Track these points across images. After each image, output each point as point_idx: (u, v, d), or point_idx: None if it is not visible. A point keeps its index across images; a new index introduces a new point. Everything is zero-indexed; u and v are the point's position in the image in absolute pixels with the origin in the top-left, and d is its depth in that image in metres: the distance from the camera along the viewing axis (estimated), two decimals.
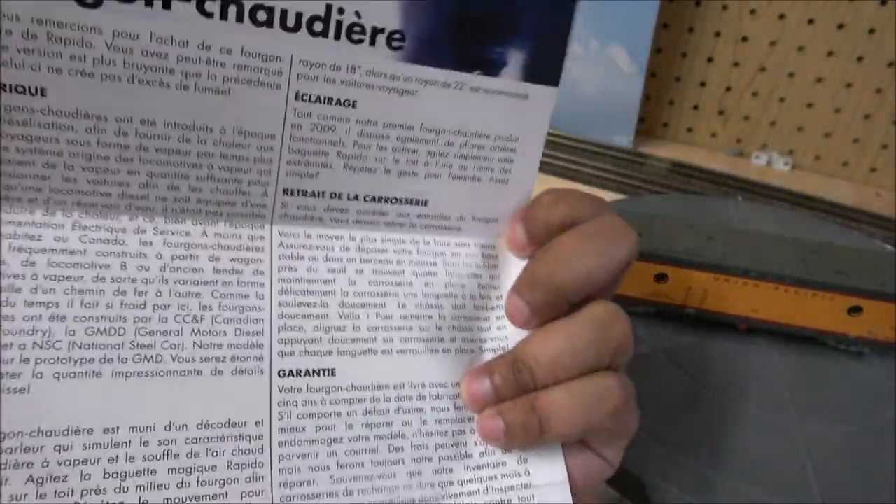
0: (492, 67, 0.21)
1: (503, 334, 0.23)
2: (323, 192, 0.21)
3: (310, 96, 0.20)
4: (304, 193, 0.21)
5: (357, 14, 0.19)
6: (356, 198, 0.22)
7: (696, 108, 0.69)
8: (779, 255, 0.37)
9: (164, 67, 0.18)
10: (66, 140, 0.19)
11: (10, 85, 0.18)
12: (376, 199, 0.22)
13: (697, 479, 0.30)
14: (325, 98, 0.20)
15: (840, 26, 0.60)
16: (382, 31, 0.20)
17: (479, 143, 0.22)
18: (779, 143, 0.68)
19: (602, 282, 0.21)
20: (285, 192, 0.21)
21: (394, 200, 0.22)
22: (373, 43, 0.20)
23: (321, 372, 0.21)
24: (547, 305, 0.21)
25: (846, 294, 0.35)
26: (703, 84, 0.67)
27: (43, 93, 0.18)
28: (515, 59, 0.22)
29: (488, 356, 0.22)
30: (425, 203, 0.23)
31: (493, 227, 0.23)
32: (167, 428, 0.19)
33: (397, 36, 0.20)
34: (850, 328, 0.36)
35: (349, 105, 0.20)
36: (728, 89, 0.67)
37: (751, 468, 0.31)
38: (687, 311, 0.38)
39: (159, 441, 0.19)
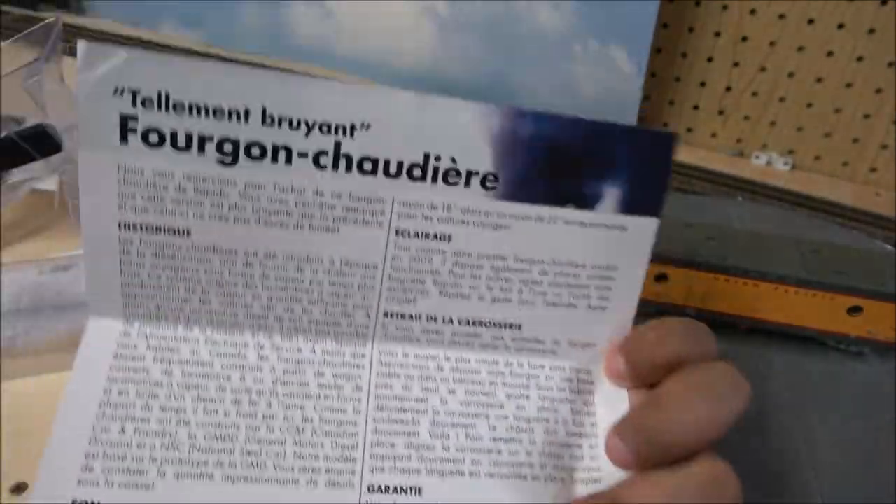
0: (585, 202, 0.22)
1: (596, 465, 0.22)
2: (420, 316, 0.23)
3: (409, 232, 0.22)
4: (403, 317, 0.23)
5: (452, 160, 0.21)
6: (451, 321, 0.23)
7: (696, 108, 0.69)
8: (779, 255, 0.37)
9: (285, 210, 0.21)
10: (204, 270, 0.22)
11: (164, 227, 0.21)
12: (471, 322, 0.23)
13: None
14: (422, 234, 0.22)
15: (840, 26, 0.60)
16: (476, 173, 0.22)
17: (575, 272, 0.23)
18: (779, 143, 0.68)
19: (712, 437, 0.20)
20: (385, 314, 0.23)
21: (488, 324, 0.23)
22: (468, 184, 0.22)
23: (409, 490, 0.22)
24: (650, 454, 0.20)
25: (846, 294, 0.35)
26: (703, 84, 0.67)
27: (188, 233, 0.21)
28: (611, 193, 0.22)
29: (579, 487, 0.22)
30: (519, 328, 0.24)
31: (589, 351, 0.24)
32: None
33: (491, 177, 0.22)
34: (851, 328, 0.36)
35: (445, 239, 0.22)
36: (728, 89, 0.67)
37: (751, 468, 0.31)
38: (687, 312, 0.38)
39: None
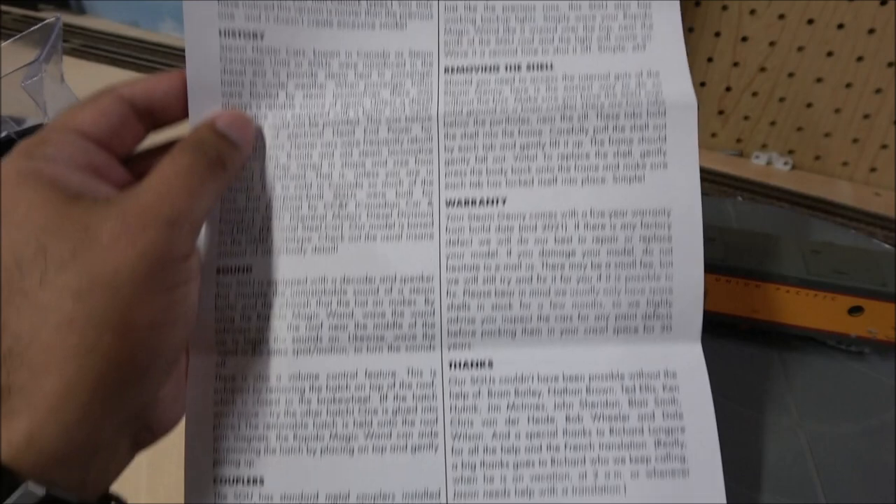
0: None
1: None
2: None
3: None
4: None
5: None
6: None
7: None
8: (779, 255, 0.37)
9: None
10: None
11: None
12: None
13: None
14: None
15: (840, 26, 0.60)
16: None
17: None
18: (779, 143, 0.68)
19: None
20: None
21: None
22: None
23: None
24: None
25: (847, 294, 0.35)
26: (703, 84, 0.67)
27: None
28: None
29: None
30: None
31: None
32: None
33: None
34: (851, 328, 0.36)
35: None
36: (728, 89, 0.67)
37: (752, 468, 0.31)
38: None
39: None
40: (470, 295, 0.25)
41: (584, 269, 0.25)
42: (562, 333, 0.25)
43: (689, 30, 0.65)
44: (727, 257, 0.36)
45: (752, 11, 0.62)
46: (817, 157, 0.67)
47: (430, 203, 0.26)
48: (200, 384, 0.25)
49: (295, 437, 0.24)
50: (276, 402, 0.25)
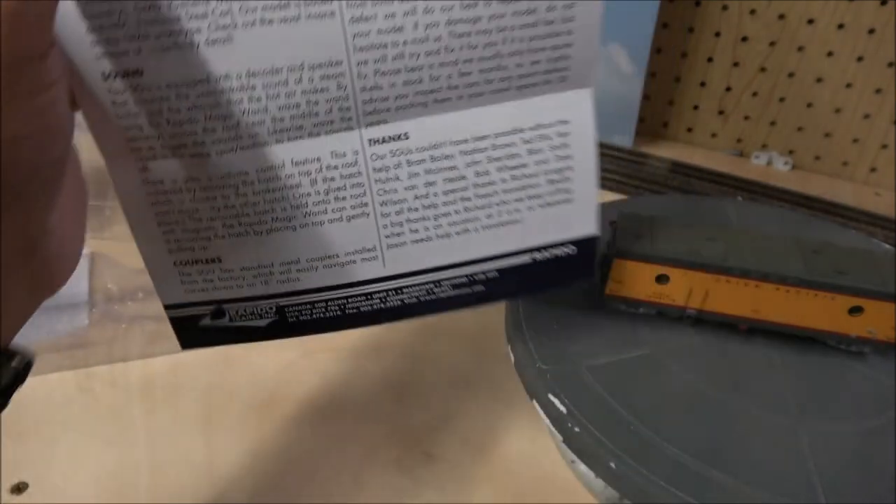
0: None
1: None
2: None
3: None
4: None
5: None
6: None
7: (696, 108, 0.69)
8: (779, 255, 0.37)
9: None
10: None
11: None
12: None
13: (697, 479, 0.30)
14: None
15: (840, 26, 0.60)
16: None
17: None
18: (779, 143, 0.68)
19: None
20: None
21: None
22: None
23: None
24: None
25: (847, 294, 0.35)
26: (703, 84, 0.67)
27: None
28: None
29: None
30: None
31: None
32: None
33: None
34: (851, 328, 0.36)
35: None
36: (728, 89, 0.67)
37: (752, 468, 0.31)
38: (688, 313, 0.38)
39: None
40: (381, 75, 0.25)
41: (490, 34, 0.25)
42: (469, 98, 0.27)
43: (689, 30, 0.65)
44: (727, 257, 0.36)
45: (752, 11, 0.62)
46: (817, 157, 0.67)
47: None
48: (130, 190, 0.25)
49: (240, 223, 0.27)
50: (212, 198, 0.26)
